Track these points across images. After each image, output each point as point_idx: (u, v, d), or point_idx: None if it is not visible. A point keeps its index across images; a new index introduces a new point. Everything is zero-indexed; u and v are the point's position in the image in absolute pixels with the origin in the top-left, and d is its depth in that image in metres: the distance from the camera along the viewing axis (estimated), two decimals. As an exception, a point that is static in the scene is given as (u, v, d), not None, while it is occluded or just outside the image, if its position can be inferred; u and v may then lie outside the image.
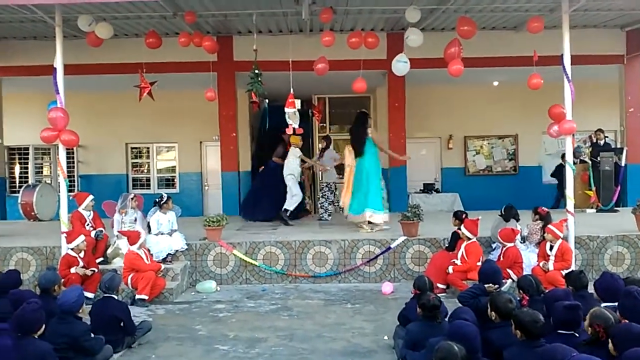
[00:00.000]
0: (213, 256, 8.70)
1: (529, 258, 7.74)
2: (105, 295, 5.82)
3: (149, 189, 14.75)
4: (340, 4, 9.67)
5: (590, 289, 5.30)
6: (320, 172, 11.86)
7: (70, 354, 4.86)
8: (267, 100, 14.59)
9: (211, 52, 10.11)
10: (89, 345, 4.98)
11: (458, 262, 7.62)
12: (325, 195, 11.39)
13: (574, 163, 8.87)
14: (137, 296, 7.40)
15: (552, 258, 7.38)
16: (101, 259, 8.23)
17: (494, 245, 8.33)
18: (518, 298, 5.22)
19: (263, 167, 12.09)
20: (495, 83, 14.31)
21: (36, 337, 4.42)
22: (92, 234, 8.21)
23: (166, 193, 9.27)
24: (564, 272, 6.81)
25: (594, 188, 11.43)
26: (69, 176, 9.90)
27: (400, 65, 9.13)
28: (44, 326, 4.51)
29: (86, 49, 9.42)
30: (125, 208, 8.69)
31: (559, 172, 12.29)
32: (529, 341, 3.90)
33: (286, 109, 9.50)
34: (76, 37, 9.94)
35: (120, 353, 5.57)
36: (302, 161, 10.97)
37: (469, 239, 7.62)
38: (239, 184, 12.59)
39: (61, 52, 8.03)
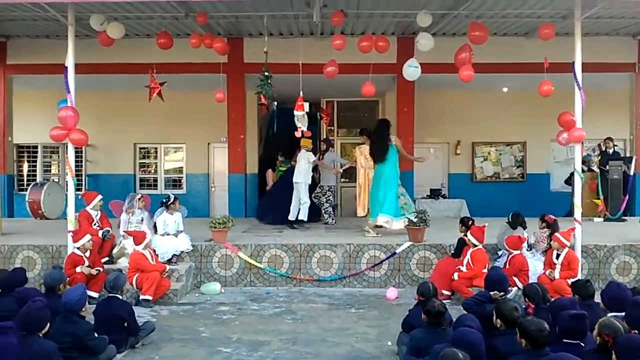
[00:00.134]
0: (218, 258, 8.70)
1: (535, 266, 7.69)
2: (110, 295, 5.82)
3: (156, 189, 14.79)
4: (352, 7, 9.68)
5: (597, 298, 5.25)
6: (319, 175, 11.81)
7: (74, 353, 4.86)
8: (275, 103, 14.63)
9: (222, 53, 10.14)
10: (92, 345, 4.99)
11: (463, 268, 7.57)
12: (328, 199, 11.36)
13: (582, 171, 8.82)
14: (142, 296, 7.42)
15: (558, 266, 7.33)
16: (106, 258, 8.26)
17: (500, 253, 8.28)
18: (524, 306, 5.18)
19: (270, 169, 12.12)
20: (505, 89, 14.26)
21: (41, 335, 4.43)
22: (100, 233, 8.24)
23: (173, 194, 9.29)
24: (570, 281, 6.78)
25: (602, 197, 11.35)
26: (76, 175, 9.96)
27: (412, 70, 9.11)
28: (48, 325, 4.52)
29: (97, 49, 9.47)
30: (132, 208, 8.73)
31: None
32: (534, 350, 3.86)
33: (295, 112, 9.51)
34: (88, 36, 10.00)
35: (123, 353, 5.57)
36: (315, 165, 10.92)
37: (475, 245, 7.57)
38: (245, 186, 12.62)
39: (73, 51, 8.08)
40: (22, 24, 10.79)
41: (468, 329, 4.18)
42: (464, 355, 3.63)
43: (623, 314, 4.38)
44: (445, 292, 7.55)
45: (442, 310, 4.71)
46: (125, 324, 5.64)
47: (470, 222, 8.01)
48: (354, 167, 11.32)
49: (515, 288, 7.19)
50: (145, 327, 5.97)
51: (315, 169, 11.36)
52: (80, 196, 9.06)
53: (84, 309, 5.09)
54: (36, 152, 15.06)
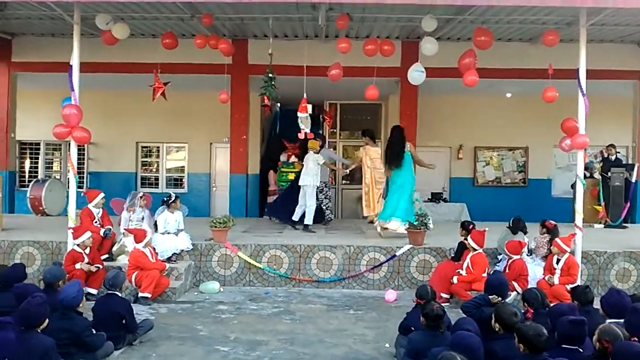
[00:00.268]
0: (218, 257, 8.71)
1: (535, 271, 7.68)
2: (109, 292, 5.83)
3: (158, 188, 14.80)
4: (357, 11, 9.68)
5: (596, 304, 5.24)
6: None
7: (72, 350, 4.87)
8: (279, 104, 14.64)
9: (227, 54, 10.15)
10: (90, 341, 5.00)
11: (463, 272, 7.57)
12: (327, 195, 11.35)
13: (585, 177, 8.81)
14: (140, 294, 7.42)
15: (558, 272, 7.33)
16: (106, 255, 8.26)
17: (499, 257, 8.27)
18: (523, 311, 5.18)
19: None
20: (508, 95, 14.26)
21: (39, 331, 4.43)
22: (101, 232, 8.24)
23: (174, 193, 9.30)
24: (570, 287, 6.77)
25: (603, 203, 11.35)
26: (78, 172, 9.96)
27: (416, 75, 9.12)
28: (47, 321, 4.52)
29: (102, 47, 9.48)
30: (134, 206, 8.73)
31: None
32: (532, 355, 3.86)
33: (299, 114, 9.51)
34: (93, 35, 10.02)
35: (121, 350, 5.57)
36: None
37: (475, 250, 7.56)
38: (246, 186, 12.63)
39: (78, 49, 8.10)
40: (27, 22, 10.83)
41: (466, 332, 4.18)
42: (462, 358, 3.63)
43: (622, 320, 4.37)
44: (444, 296, 7.55)
45: (440, 314, 4.71)
46: (124, 321, 5.64)
47: (470, 226, 8.01)
48: (357, 168, 11.35)
49: (515, 293, 7.18)
50: (143, 325, 5.97)
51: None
52: (82, 193, 9.08)
53: (81, 305, 5.09)
54: (38, 149, 15.09)
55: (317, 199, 10.96)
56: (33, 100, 13.85)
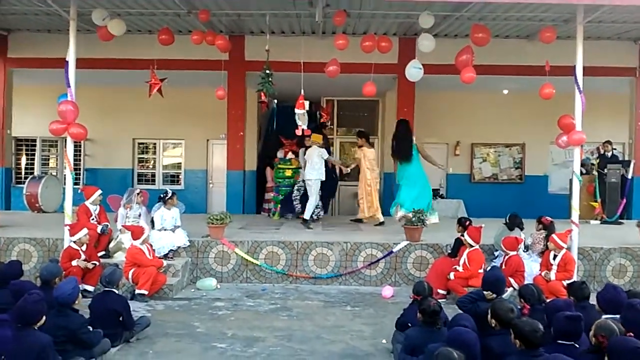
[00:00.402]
0: (215, 254, 8.70)
1: (531, 267, 7.71)
2: (106, 289, 5.83)
3: (154, 184, 14.79)
4: (354, 7, 9.68)
5: (592, 300, 5.26)
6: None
7: (68, 347, 4.87)
8: (276, 101, 14.62)
9: (224, 51, 10.13)
10: (86, 338, 4.99)
11: (460, 268, 7.59)
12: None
13: (581, 173, 8.84)
14: (137, 291, 7.42)
15: (554, 268, 7.35)
16: (103, 252, 8.24)
17: (496, 253, 8.29)
18: (519, 307, 5.19)
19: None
20: (505, 91, 14.26)
21: (36, 328, 4.42)
22: (98, 229, 8.22)
23: (171, 189, 9.28)
24: (566, 283, 6.79)
25: (599, 199, 11.39)
26: (75, 169, 9.96)
27: (414, 71, 9.13)
28: (44, 318, 4.51)
29: (98, 43, 9.46)
30: (131, 203, 8.71)
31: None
32: (528, 350, 3.87)
33: (296, 110, 9.50)
34: (89, 31, 9.99)
35: (117, 347, 5.57)
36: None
37: (472, 246, 7.58)
38: (243, 183, 12.62)
39: (74, 45, 8.07)
40: (23, 18, 10.78)
41: (463, 328, 4.19)
42: (459, 354, 3.64)
43: (618, 316, 4.39)
44: (441, 292, 7.57)
45: (437, 310, 4.72)
46: (121, 318, 5.64)
47: (467, 223, 8.04)
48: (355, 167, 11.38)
49: (511, 288, 7.19)
50: (140, 322, 5.97)
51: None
52: (79, 190, 9.06)
53: (77, 302, 5.08)
54: (34, 145, 15.05)
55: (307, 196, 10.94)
56: (29, 96, 13.80)
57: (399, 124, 10.32)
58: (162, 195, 8.86)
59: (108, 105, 14.17)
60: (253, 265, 8.66)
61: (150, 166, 15.20)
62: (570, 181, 8.97)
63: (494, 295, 5.33)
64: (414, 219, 8.78)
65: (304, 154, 11.01)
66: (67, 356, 4.77)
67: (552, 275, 7.28)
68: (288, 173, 11.76)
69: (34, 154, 15.10)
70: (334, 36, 9.81)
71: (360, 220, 11.05)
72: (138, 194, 8.82)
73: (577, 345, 4.06)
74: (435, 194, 13.66)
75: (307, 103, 9.54)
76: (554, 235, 7.51)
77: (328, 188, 11.47)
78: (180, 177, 15.04)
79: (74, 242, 7.49)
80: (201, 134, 14.58)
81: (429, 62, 9.48)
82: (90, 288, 7.39)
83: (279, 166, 12.17)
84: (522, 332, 3.89)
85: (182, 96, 13.40)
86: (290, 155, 12.00)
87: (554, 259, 7.41)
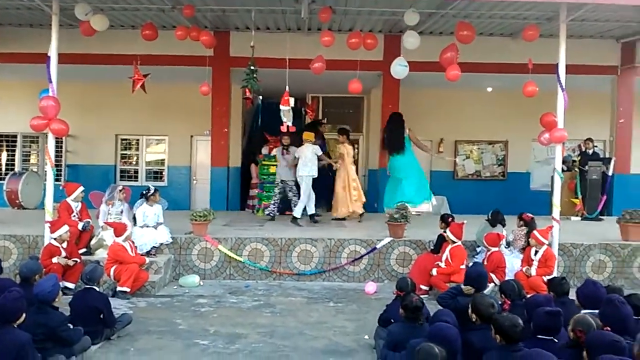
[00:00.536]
0: (198, 250, 8.66)
1: (513, 263, 7.79)
2: (86, 286, 5.76)
3: (137, 181, 14.65)
4: (340, 4, 9.67)
5: (572, 295, 5.32)
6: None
7: (48, 344, 4.81)
8: (260, 97, 14.57)
9: (209, 46, 10.06)
10: (66, 336, 4.93)
11: (442, 264, 7.64)
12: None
13: (563, 171, 8.93)
14: (119, 288, 7.36)
15: (535, 263, 7.42)
16: (84, 249, 8.17)
17: (478, 249, 8.37)
18: (500, 302, 5.23)
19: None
20: (489, 89, 14.35)
21: (15, 326, 4.36)
22: (80, 225, 8.14)
23: (154, 186, 9.22)
24: (546, 278, 6.87)
25: (580, 196, 11.52)
26: (56, 165, 9.84)
27: (400, 69, 9.16)
28: (24, 315, 4.45)
29: (81, 39, 9.33)
30: (113, 199, 8.65)
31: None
32: (508, 345, 3.91)
33: (281, 106, 9.47)
34: (72, 26, 9.85)
35: (98, 345, 5.53)
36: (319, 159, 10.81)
37: (454, 242, 7.63)
38: (228, 179, 12.57)
39: (56, 40, 7.97)
40: (5, 12, 10.60)
41: (444, 324, 4.20)
42: (440, 350, 3.65)
43: (597, 311, 4.44)
44: (424, 288, 7.61)
45: (419, 305, 4.73)
46: (101, 316, 5.59)
47: (450, 219, 8.09)
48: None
49: (493, 284, 7.25)
50: (122, 319, 5.93)
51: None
52: (61, 187, 8.96)
53: (57, 300, 5.02)
54: (15, 141, 14.83)
55: (287, 196, 10.89)
56: (10, 91, 13.63)
57: (392, 116, 10.44)
58: (144, 192, 8.80)
59: (90, 101, 13.99)
60: (236, 262, 8.64)
61: (133, 162, 15.06)
62: (552, 178, 9.07)
63: (473, 290, 5.37)
64: (396, 215, 8.81)
65: (283, 151, 11.02)
66: (47, 354, 4.72)
67: (533, 271, 7.37)
68: (273, 170, 11.72)
69: (14, 150, 14.88)
70: (320, 33, 9.80)
71: (343, 218, 11.06)
72: (120, 190, 8.75)
73: (557, 340, 4.10)
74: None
75: (292, 100, 9.53)
76: (535, 232, 7.59)
77: (327, 186, 11.46)
78: (163, 173, 14.91)
79: (55, 239, 7.41)
80: (185, 130, 14.46)
81: (414, 59, 9.52)
82: (71, 285, 7.33)
83: (264, 163, 12.15)
84: (502, 327, 3.93)
85: (165, 92, 13.29)
86: (274, 151, 11.96)
87: (535, 254, 7.49)
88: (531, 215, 8.24)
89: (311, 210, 10.44)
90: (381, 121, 12.38)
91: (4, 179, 12.91)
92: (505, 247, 8.12)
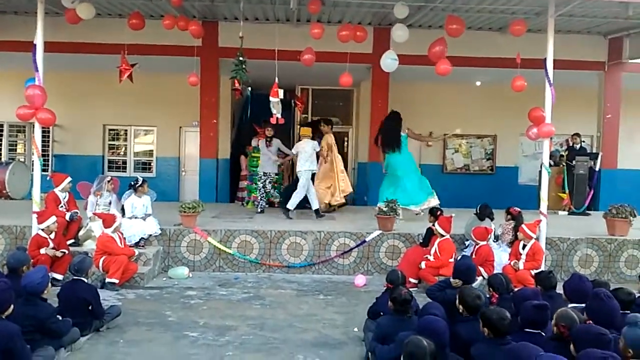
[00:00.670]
0: (187, 242, 8.64)
1: (501, 257, 7.85)
2: (75, 277, 5.74)
3: (125, 172, 14.54)
4: (330, -5, 9.64)
5: (559, 289, 5.38)
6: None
7: (36, 336, 4.78)
8: (249, 88, 14.48)
9: (197, 36, 9.97)
10: (55, 328, 4.91)
11: (431, 258, 7.69)
12: (274, 185, 11.15)
13: (550, 165, 9.00)
14: (108, 280, 7.33)
15: (523, 257, 7.49)
16: (72, 240, 8.12)
17: (467, 243, 8.42)
18: (488, 296, 5.29)
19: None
20: (478, 83, 14.40)
21: (4, 317, 4.33)
22: (67, 215, 8.08)
23: (142, 177, 9.16)
24: (534, 272, 6.93)
25: (567, 191, 11.63)
26: (43, 155, 9.75)
27: (390, 62, 9.15)
28: (12, 307, 4.43)
29: (67, 27, 9.22)
30: (101, 190, 8.59)
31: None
32: (496, 339, 3.96)
33: (270, 98, 9.43)
34: (58, 14, 9.70)
35: (87, 336, 5.50)
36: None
37: (443, 235, 7.69)
38: (216, 171, 12.53)
39: (42, 28, 7.87)
40: (-13, -1, 10.45)
41: (433, 317, 4.24)
42: (428, 342, 3.68)
43: (584, 305, 4.50)
44: (413, 281, 7.66)
45: (408, 298, 4.77)
46: (90, 307, 5.56)
47: (438, 213, 8.14)
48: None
49: (481, 278, 7.32)
50: (110, 311, 5.91)
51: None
52: (49, 177, 8.87)
53: (46, 292, 4.99)
54: (1, 131, 14.65)
55: (266, 187, 10.90)
56: (-5, 80, 13.42)
57: (391, 115, 10.49)
58: (132, 183, 8.74)
59: (77, 90, 13.84)
60: (226, 254, 8.63)
61: (121, 153, 14.94)
62: (540, 172, 9.15)
63: (461, 283, 5.42)
64: (385, 209, 8.84)
65: (267, 143, 11.03)
66: (35, 345, 4.69)
67: (521, 265, 7.43)
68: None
69: (0, 140, 14.70)
70: (309, 24, 9.77)
71: (332, 210, 11.07)
72: (108, 181, 8.69)
73: (544, 334, 4.15)
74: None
75: (281, 91, 9.49)
76: (523, 226, 7.65)
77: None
78: (152, 164, 14.81)
79: (42, 229, 7.36)
80: (173, 121, 14.36)
81: (404, 52, 9.50)
82: (59, 276, 7.28)
83: (253, 154, 12.12)
84: (490, 320, 3.98)
85: (153, 82, 13.16)
86: (258, 143, 11.88)
87: (523, 248, 7.56)
88: (518, 209, 8.31)
89: (315, 205, 10.40)
90: (371, 114, 12.41)
91: (-10, 168, 12.72)
92: (494, 241, 8.19)
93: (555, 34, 8.29)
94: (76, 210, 8.28)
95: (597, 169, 11.74)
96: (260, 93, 13.24)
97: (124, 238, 7.92)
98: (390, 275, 5.63)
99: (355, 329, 5.96)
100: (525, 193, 13.50)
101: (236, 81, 9.63)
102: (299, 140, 10.76)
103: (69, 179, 8.44)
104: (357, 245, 8.71)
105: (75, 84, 13.75)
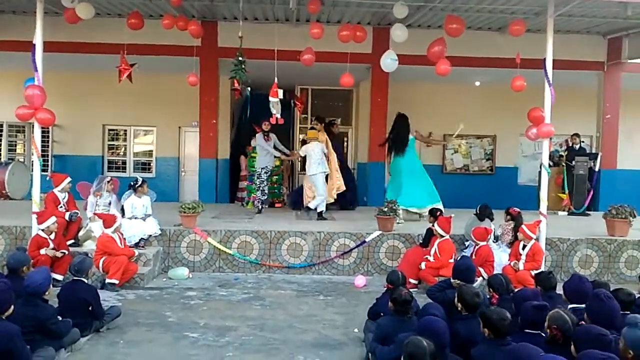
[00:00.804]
0: (187, 243, 8.64)
1: (501, 257, 7.85)
2: (75, 278, 5.73)
3: (125, 172, 14.53)
4: (329, -5, 9.64)
5: (559, 290, 5.38)
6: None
7: (37, 337, 4.78)
8: (249, 88, 14.47)
9: (196, 36, 9.97)
10: (55, 329, 4.91)
11: (431, 258, 7.69)
12: (262, 182, 11.13)
13: (549, 166, 9.01)
14: (107, 280, 7.33)
15: (523, 258, 7.49)
16: (72, 241, 8.11)
17: (467, 243, 8.42)
18: (488, 296, 5.29)
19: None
20: (477, 83, 14.40)
21: (4, 318, 4.33)
22: (66, 215, 8.08)
23: (142, 177, 9.16)
24: (534, 273, 6.94)
25: (567, 191, 11.63)
26: (43, 155, 9.75)
27: (390, 62, 9.15)
28: (12, 307, 4.42)
29: (66, 26, 9.22)
30: (101, 191, 8.59)
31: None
32: (496, 339, 3.96)
33: (270, 98, 9.43)
34: (57, 13, 9.69)
35: (87, 337, 5.50)
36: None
37: (442, 236, 7.69)
38: (216, 171, 12.53)
39: (41, 28, 7.86)
40: (-14, -1, 10.45)
41: (433, 317, 4.24)
42: (428, 343, 3.68)
43: (584, 305, 4.50)
44: (413, 281, 7.66)
45: (408, 299, 4.77)
46: (90, 308, 5.56)
47: (438, 213, 8.14)
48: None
49: (481, 278, 7.32)
50: (110, 312, 5.91)
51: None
52: (48, 177, 8.86)
53: (47, 293, 4.99)
54: (1, 131, 14.63)
55: (257, 185, 10.91)
56: (-6, 80, 13.41)
57: (398, 118, 10.52)
58: (132, 183, 8.74)
59: (77, 90, 13.84)
60: (226, 255, 8.63)
61: (121, 153, 14.94)
62: (539, 173, 9.16)
63: (462, 283, 5.42)
64: (385, 209, 8.84)
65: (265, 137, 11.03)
66: (35, 346, 4.69)
67: (521, 265, 7.43)
68: (262, 162, 11.67)
69: (0, 140, 14.69)
70: (309, 24, 9.76)
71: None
72: (108, 181, 8.69)
73: (544, 334, 4.15)
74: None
75: (280, 91, 9.48)
76: (523, 226, 7.65)
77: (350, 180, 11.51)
78: (151, 164, 14.81)
79: (42, 230, 7.36)
80: (173, 121, 14.35)
81: (403, 52, 9.50)
82: (59, 277, 7.27)
83: (252, 154, 12.11)
84: (490, 321, 3.98)
85: (153, 82, 13.16)
86: (256, 138, 11.85)
87: (523, 249, 7.56)
88: (518, 210, 8.31)
89: (313, 205, 10.41)
90: (370, 114, 12.41)
91: (-11, 169, 12.71)
92: (494, 242, 8.19)
93: (554, 34, 8.29)
94: (76, 211, 8.28)
95: (596, 169, 11.75)
96: (260, 93, 13.24)
97: (124, 238, 7.91)
98: (391, 276, 5.63)
99: (356, 330, 5.96)
100: (524, 193, 13.51)
101: (236, 81, 9.62)
102: (305, 142, 10.76)
103: (69, 179, 8.44)
104: (357, 246, 8.71)
105: (74, 84, 13.75)
